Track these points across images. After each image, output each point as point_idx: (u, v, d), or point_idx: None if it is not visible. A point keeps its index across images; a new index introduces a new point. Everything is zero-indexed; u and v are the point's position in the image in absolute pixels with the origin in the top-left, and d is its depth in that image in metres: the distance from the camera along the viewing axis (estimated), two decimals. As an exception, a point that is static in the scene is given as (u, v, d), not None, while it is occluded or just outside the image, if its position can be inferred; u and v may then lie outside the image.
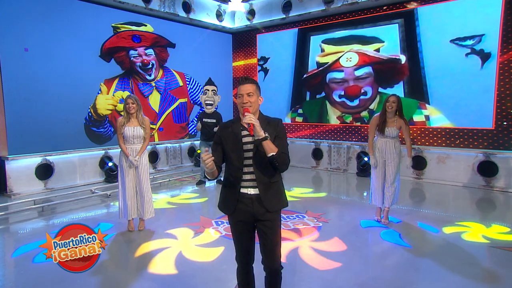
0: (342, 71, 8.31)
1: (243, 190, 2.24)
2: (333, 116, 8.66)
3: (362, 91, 8.05)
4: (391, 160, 4.47)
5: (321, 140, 8.85)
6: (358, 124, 8.30)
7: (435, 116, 7.21)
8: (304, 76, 8.96)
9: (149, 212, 4.47)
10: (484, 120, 6.66)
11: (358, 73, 8.07)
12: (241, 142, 2.22)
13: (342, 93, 8.36)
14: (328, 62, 8.53)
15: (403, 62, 7.52)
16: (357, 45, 8.09)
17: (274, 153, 2.13)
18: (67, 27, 6.90)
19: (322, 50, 8.63)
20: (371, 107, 8.04)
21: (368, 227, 4.55)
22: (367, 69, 7.96)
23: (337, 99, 8.48)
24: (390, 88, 7.76)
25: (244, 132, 2.24)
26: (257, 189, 2.22)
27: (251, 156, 2.22)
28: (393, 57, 7.63)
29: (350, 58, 8.16)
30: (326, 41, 8.61)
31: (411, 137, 4.92)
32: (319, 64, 8.73)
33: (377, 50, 7.84)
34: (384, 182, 4.56)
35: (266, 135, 2.13)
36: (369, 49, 7.92)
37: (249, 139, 2.22)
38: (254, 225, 2.30)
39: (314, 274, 3.29)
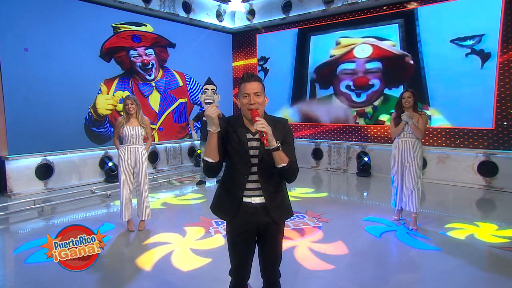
0: (354, 62, 8.23)
1: (245, 199, 2.03)
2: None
3: (370, 83, 8.02)
4: (409, 163, 4.47)
5: (321, 140, 8.85)
6: (358, 124, 8.30)
7: (435, 116, 7.21)
8: (316, 66, 8.87)
9: (148, 212, 4.49)
10: (484, 120, 6.66)
11: (369, 66, 8.02)
12: (247, 146, 1.99)
13: (350, 83, 8.30)
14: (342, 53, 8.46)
15: (411, 62, 7.44)
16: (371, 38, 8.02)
17: (285, 164, 1.90)
18: (67, 27, 6.90)
19: (338, 43, 8.53)
20: (376, 103, 8.01)
21: (369, 227, 4.55)
22: (377, 64, 7.91)
23: (344, 90, 8.41)
24: (395, 89, 7.71)
25: (248, 136, 2.02)
26: (262, 197, 2.01)
27: (256, 163, 2.00)
28: (405, 53, 7.54)
29: (363, 49, 8.09)
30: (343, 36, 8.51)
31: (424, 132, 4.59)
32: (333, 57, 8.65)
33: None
34: (403, 185, 4.56)
35: (279, 144, 1.89)
36: (383, 43, 7.82)
37: (254, 143, 2.01)
38: (255, 236, 2.11)
39: (314, 274, 3.29)
